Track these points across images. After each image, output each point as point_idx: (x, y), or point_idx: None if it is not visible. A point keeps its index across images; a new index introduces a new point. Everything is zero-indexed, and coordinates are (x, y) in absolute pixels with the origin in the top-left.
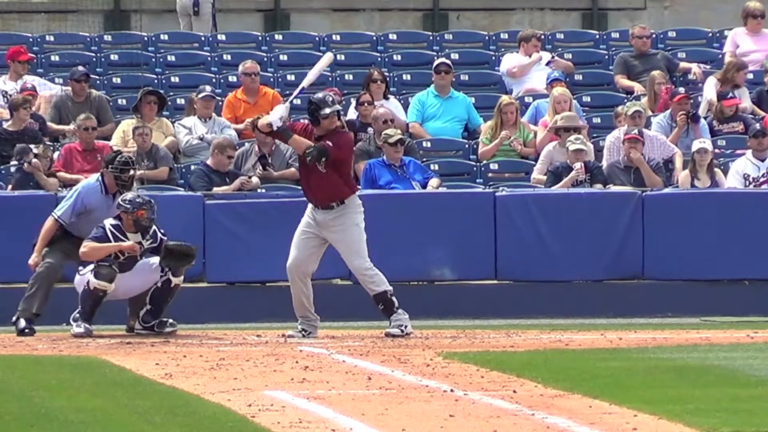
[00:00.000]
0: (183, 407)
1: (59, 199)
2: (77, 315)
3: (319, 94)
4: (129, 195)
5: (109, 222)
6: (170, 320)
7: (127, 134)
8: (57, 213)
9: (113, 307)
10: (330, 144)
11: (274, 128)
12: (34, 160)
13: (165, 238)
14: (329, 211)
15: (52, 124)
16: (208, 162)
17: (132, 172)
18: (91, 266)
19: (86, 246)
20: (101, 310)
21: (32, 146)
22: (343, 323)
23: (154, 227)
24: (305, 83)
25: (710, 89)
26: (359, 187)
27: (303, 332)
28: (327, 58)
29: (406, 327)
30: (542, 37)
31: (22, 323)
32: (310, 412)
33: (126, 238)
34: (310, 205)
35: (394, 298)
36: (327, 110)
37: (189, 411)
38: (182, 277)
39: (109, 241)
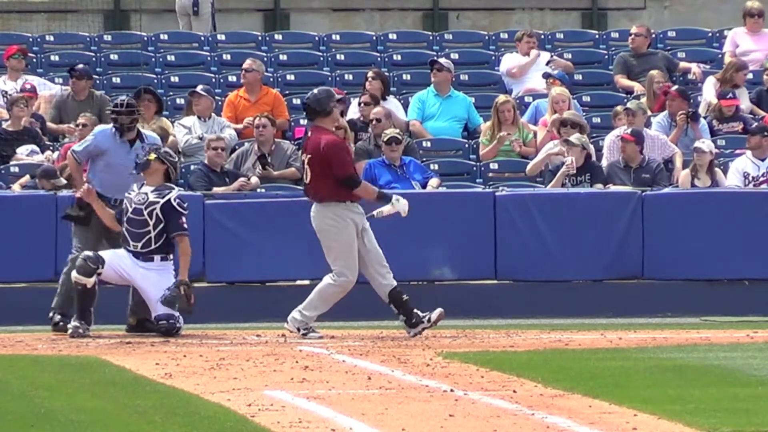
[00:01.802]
0: (183, 407)
1: (59, 199)
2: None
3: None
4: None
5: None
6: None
7: None
8: (75, 148)
9: (113, 307)
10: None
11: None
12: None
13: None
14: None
15: (52, 124)
16: (206, 162)
17: (131, 115)
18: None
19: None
20: (101, 310)
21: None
22: (343, 323)
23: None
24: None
25: (709, 89)
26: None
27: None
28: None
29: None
30: (533, 34)
31: (57, 318)
32: (310, 412)
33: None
34: (352, 208)
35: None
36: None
37: (189, 411)
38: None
39: (126, 210)
